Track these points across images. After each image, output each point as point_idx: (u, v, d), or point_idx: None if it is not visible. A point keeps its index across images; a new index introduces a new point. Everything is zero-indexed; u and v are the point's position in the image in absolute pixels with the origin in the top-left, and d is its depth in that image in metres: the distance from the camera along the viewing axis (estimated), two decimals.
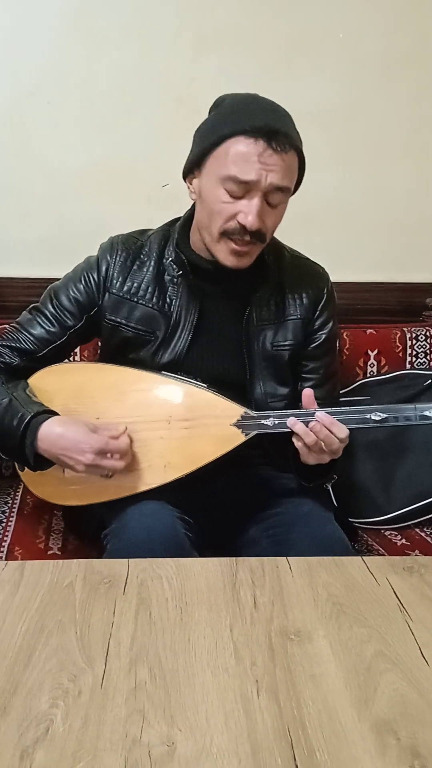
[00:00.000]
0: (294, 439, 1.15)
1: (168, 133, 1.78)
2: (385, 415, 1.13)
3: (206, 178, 1.16)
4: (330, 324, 1.33)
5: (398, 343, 1.75)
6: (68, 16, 1.73)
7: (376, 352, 1.74)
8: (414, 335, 1.76)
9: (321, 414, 1.12)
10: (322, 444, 1.12)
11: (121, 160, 1.81)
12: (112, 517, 1.17)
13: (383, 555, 1.39)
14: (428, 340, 1.76)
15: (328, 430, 1.12)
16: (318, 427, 1.12)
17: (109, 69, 1.77)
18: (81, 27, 1.74)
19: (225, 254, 1.18)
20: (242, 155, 1.10)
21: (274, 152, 1.09)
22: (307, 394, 1.16)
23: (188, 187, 1.23)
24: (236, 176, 1.10)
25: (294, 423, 1.13)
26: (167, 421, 1.19)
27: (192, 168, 1.20)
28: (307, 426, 1.12)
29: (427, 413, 1.12)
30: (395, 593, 0.90)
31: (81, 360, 1.61)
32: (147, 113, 1.80)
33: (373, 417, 1.13)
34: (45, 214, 1.83)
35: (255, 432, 1.16)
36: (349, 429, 1.14)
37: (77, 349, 1.50)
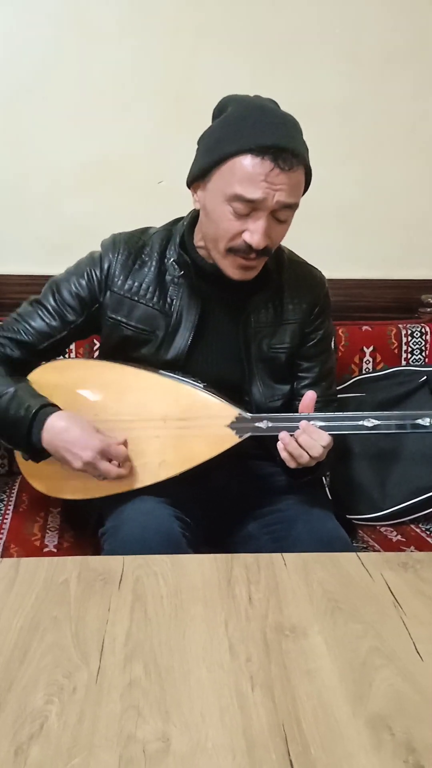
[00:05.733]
0: (279, 448, 1.15)
1: (165, 130, 1.78)
2: (377, 422, 1.14)
3: (211, 194, 1.15)
4: (325, 325, 1.34)
5: (394, 340, 1.75)
6: (65, 12, 1.72)
7: (371, 348, 1.74)
8: (409, 332, 1.76)
9: (305, 423, 1.13)
10: (304, 452, 1.13)
11: (118, 156, 1.80)
12: (109, 516, 1.18)
13: (378, 551, 1.39)
14: (424, 337, 1.76)
15: (310, 438, 1.12)
16: (291, 441, 1.13)
17: (106, 65, 1.76)
18: (78, 23, 1.73)
19: (232, 269, 1.18)
20: (248, 175, 1.08)
21: (281, 171, 1.08)
22: (306, 403, 1.16)
23: (193, 196, 1.21)
24: (242, 195, 1.09)
25: (283, 437, 1.14)
26: (163, 420, 1.19)
27: (196, 179, 1.18)
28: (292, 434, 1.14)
29: (419, 421, 1.14)
30: (390, 589, 0.91)
31: (76, 356, 1.60)
32: (144, 110, 1.79)
33: (365, 424, 1.14)
34: (42, 210, 1.82)
35: (248, 434, 1.17)
36: (341, 435, 1.15)
37: (72, 346, 1.50)
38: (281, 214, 1.13)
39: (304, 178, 1.14)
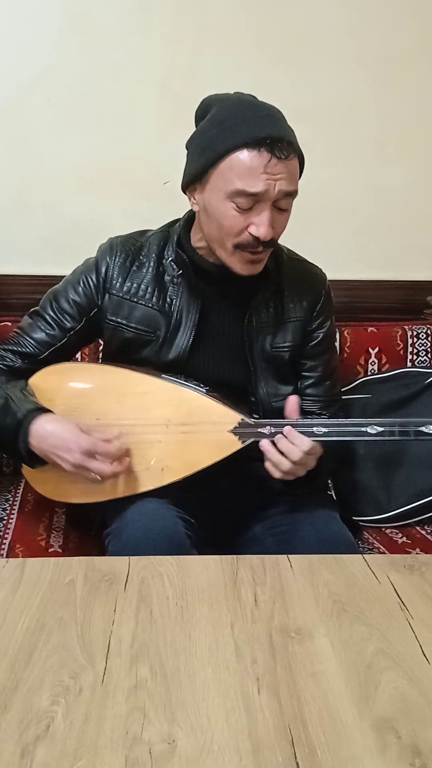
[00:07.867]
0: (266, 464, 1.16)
1: (167, 131, 1.77)
2: (381, 429, 1.13)
3: (210, 194, 1.15)
4: (327, 323, 1.34)
5: (399, 341, 1.75)
6: (67, 14, 1.73)
7: (377, 350, 1.74)
8: (415, 333, 1.76)
9: (287, 429, 1.12)
10: (284, 459, 1.13)
11: (120, 157, 1.80)
12: (113, 517, 1.17)
13: (384, 553, 1.39)
14: (429, 338, 1.76)
15: (291, 443, 1.12)
16: (270, 449, 1.13)
17: (109, 67, 1.76)
18: (80, 25, 1.74)
19: (240, 265, 1.18)
20: (247, 168, 1.09)
21: (278, 161, 1.09)
22: (291, 407, 1.16)
23: (189, 200, 1.22)
24: (244, 190, 1.10)
25: (263, 444, 1.14)
26: (165, 425, 1.19)
27: (192, 182, 1.18)
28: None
29: (423, 429, 1.13)
30: (396, 591, 0.90)
31: (81, 359, 1.61)
32: (146, 111, 1.80)
33: (368, 430, 1.14)
34: (45, 212, 1.82)
35: (251, 440, 1.16)
36: (345, 441, 1.15)
37: None
38: (282, 203, 1.14)
39: (299, 166, 1.16)
